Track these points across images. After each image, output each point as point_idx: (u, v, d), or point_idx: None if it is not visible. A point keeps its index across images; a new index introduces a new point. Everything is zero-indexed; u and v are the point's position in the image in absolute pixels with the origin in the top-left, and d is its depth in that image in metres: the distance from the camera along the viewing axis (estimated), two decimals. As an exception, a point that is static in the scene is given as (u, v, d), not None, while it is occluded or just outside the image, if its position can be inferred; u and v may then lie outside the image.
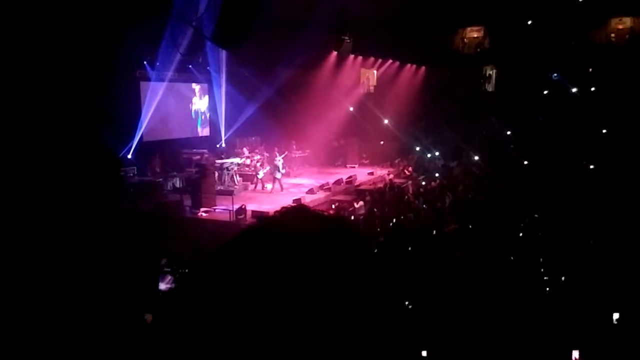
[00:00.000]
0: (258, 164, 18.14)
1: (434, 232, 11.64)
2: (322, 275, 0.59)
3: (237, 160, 18.34)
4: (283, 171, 17.95)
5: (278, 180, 17.66)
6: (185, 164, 18.84)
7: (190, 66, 20.18)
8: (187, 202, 14.98)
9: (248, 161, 18.22)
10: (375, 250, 10.47)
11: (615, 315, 5.87)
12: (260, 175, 17.80)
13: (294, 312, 0.56)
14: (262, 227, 0.67)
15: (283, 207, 0.72)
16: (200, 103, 21.86)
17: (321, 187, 17.73)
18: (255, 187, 17.77)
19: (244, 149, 18.91)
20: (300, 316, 0.56)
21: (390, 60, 26.42)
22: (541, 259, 9.20)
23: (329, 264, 0.61)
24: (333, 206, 15.85)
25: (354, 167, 23.18)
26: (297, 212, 0.70)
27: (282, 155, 18.58)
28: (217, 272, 0.61)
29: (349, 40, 19.96)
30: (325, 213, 0.75)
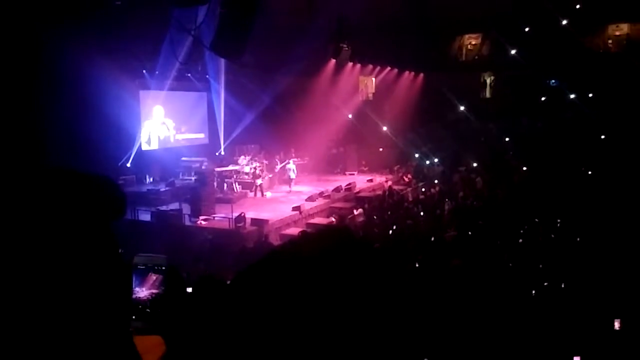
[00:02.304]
0: (257, 171, 18.11)
1: (433, 238, 11.64)
2: (335, 288, 0.61)
3: (236, 167, 18.36)
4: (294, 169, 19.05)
5: (292, 181, 18.81)
6: (184, 172, 18.84)
7: (189, 75, 20.25)
8: (187, 210, 14.97)
9: (247, 169, 18.22)
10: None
11: (617, 322, 5.86)
12: (259, 182, 17.79)
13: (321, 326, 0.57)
14: (297, 248, 0.69)
15: (302, 231, 0.74)
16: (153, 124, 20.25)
17: (320, 195, 17.73)
18: (255, 194, 17.74)
19: (243, 157, 18.92)
20: (325, 331, 0.57)
21: (389, 68, 26.49)
22: (541, 265, 9.20)
23: (340, 276, 0.62)
24: (333, 218, 15.83)
25: (353, 174, 23.19)
26: (336, 235, 0.71)
27: (284, 163, 19.13)
28: (247, 295, 0.62)
29: (347, 48, 20.03)
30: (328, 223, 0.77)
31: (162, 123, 20.38)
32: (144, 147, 19.26)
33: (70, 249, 0.90)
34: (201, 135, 22.29)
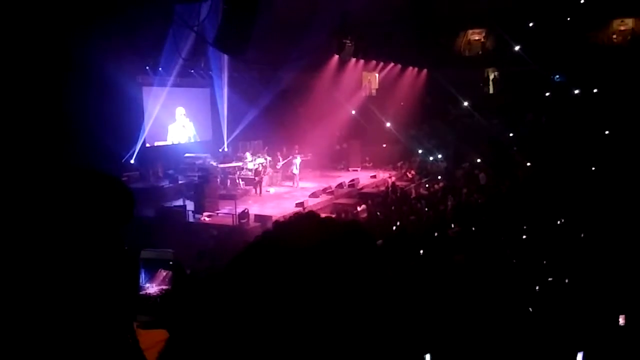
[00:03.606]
0: (260, 168, 18.08)
1: (437, 234, 11.63)
2: (337, 279, 0.60)
3: (239, 164, 18.36)
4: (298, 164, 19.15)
5: (296, 176, 18.83)
6: (188, 169, 18.86)
7: (192, 71, 20.24)
8: (190, 206, 14.99)
9: (250, 165, 18.20)
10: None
11: (621, 317, 5.85)
12: (257, 179, 17.72)
13: (309, 316, 0.57)
14: (274, 236, 0.68)
15: (295, 214, 0.73)
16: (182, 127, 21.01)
17: (324, 191, 17.72)
18: (261, 191, 17.68)
19: (247, 153, 18.92)
20: (317, 319, 0.57)
21: (392, 63, 26.41)
22: (545, 261, 9.18)
23: (343, 268, 0.62)
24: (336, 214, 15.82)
25: (356, 170, 23.15)
26: (308, 219, 0.71)
27: (286, 160, 19.16)
28: (235, 283, 0.62)
29: (350, 44, 20.00)
30: (334, 216, 0.76)
31: (182, 126, 20.63)
32: (147, 144, 19.32)
33: (77, 246, 0.91)
34: (205, 132, 22.33)
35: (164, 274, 1.27)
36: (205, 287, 0.67)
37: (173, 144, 20.48)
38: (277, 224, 0.71)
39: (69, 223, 0.91)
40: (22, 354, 0.87)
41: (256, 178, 17.62)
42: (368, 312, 0.61)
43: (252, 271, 0.63)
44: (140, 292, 1.26)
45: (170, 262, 1.29)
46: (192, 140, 21.34)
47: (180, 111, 20.57)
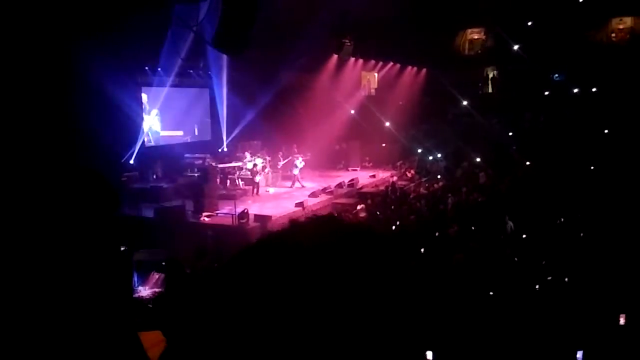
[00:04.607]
0: (259, 168, 18.06)
1: (437, 234, 11.64)
2: (347, 280, 0.60)
3: (239, 164, 18.35)
4: (301, 166, 18.98)
5: (296, 177, 18.69)
6: (187, 169, 18.85)
7: (191, 71, 20.21)
8: (190, 206, 14.98)
9: (250, 165, 18.19)
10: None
11: (622, 317, 5.85)
12: (258, 179, 17.68)
13: (316, 314, 0.57)
14: (289, 234, 0.68)
15: (313, 215, 0.73)
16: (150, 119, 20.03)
17: (323, 191, 17.72)
18: (252, 192, 17.62)
19: (246, 153, 18.90)
20: (323, 317, 0.57)
21: (391, 63, 26.40)
22: (544, 261, 9.19)
23: (355, 269, 0.62)
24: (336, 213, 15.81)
25: (356, 169, 23.15)
26: (325, 220, 0.70)
27: (287, 160, 19.13)
28: (240, 281, 0.61)
29: (349, 43, 19.98)
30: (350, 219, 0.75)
31: (159, 119, 20.48)
32: (147, 144, 19.28)
33: (61, 243, 0.90)
34: (203, 132, 22.31)
35: (157, 276, 1.27)
36: (206, 285, 0.66)
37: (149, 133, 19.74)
38: (294, 223, 0.71)
39: (52, 217, 0.91)
40: (21, 354, 0.86)
41: (254, 178, 17.60)
42: (374, 313, 0.61)
43: (263, 268, 0.62)
44: (134, 295, 1.26)
45: (163, 263, 1.29)
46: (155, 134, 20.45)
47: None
